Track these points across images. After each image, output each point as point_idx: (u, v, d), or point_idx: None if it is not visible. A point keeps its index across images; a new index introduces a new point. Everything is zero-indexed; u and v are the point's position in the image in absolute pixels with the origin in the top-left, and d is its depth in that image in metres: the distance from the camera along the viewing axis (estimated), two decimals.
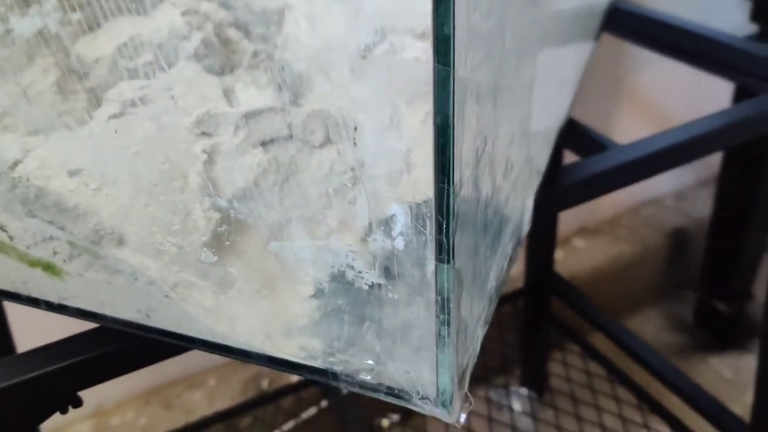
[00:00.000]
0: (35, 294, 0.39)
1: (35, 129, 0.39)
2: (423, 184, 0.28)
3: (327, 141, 0.44)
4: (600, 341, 1.01)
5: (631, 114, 1.23)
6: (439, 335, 0.30)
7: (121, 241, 0.35)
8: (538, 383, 1.08)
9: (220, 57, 0.52)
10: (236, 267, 0.34)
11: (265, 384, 1.03)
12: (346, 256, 0.31)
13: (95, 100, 0.46)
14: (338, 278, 0.31)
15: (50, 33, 0.51)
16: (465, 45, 0.27)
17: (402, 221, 0.29)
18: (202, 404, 1.00)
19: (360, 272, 0.30)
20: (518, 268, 1.12)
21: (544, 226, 1.00)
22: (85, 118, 0.41)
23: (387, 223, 0.30)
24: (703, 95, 1.19)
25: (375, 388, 0.32)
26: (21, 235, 0.37)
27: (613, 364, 1.00)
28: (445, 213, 0.27)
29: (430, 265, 0.28)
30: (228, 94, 0.46)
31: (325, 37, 0.50)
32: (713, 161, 1.22)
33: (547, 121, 0.49)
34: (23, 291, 0.39)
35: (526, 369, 1.09)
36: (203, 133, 0.42)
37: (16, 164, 0.36)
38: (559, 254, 1.26)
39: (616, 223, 1.32)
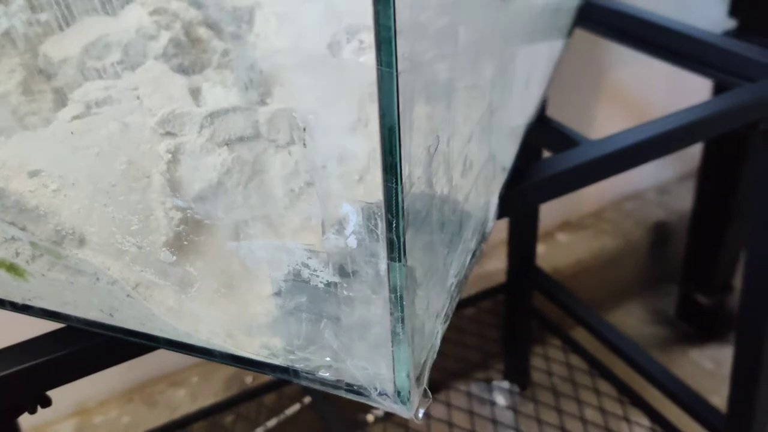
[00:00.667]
0: (0, 295, 0.39)
1: None
2: (373, 184, 0.28)
3: (292, 141, 0.44)
4: (581, 335, 1.02)
5: (610, 109, 1.24)
6: (394, 332, 0.30)
7: (82, 242, 0.35)
8: (520, 377, 1.09)
9: (190, 56, 0.52)
10: (195, 266, 0.34)
11: (248, 380, 1.03)
12: (302, 255, 0.31)
13: (61, 100, 0.46)
14: (295, 277, 0.32)
15: (17, 33, 0.51)
16: (411, 45, 0.27)
17: (354, 220, 0.29)
18: (185, 402, 1.00)
19: (315, 271, 0.31)
20: (500, 263, 1.13)
21: (524, 220, 1.01)
22: (50, 119, 0.42)
23: (340, 223, 0.30)
24: (683, 89, 1.20)
25: (335, 385, 0.33)
26: None
27: (594, 358, 1.00)
28: (394, 212, 0.27)
29: (383, 263, 0.29)
30: (194, 94, 0.46)
31: (294, 36, 0.51)
32: (694, 155, 1.23)
33: (512, 118, 0.50)
34: None
35: (508, 363, 1.10)
36: (168, 133, 0.42)
37: None
38: (541, 248, 1.26)
39: (599, 216, 1.33)
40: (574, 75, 1.12)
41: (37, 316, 0.38)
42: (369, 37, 0.52)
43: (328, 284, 0.31)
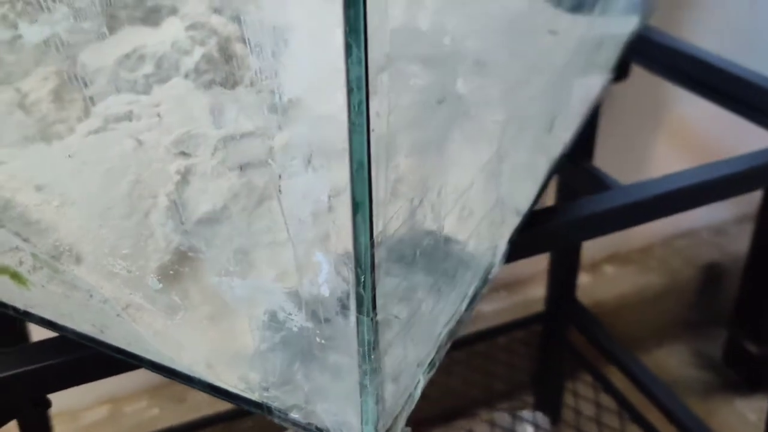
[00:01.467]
0: (4, 299, 0.40)
1: (13, 141, 0.40)
2: (344, 234, 0.28)
3: (305, 170, 0.44)
4: (614, 374, 0.99)
5: (669, 147, 1.20)
6: (362, 385, 0.29)
7: (78, 259, 0.36)
8: (551, 411, 1.07)
9: (222, 73, 0.52)
10: (180, 295, 0.35)
11: None
12: (280, 296, 0.31)
13: (89, 110, 0.47)
14: (271, 317, 0.31)
15: (59, 40, 0.52)
16: (386, 99, 0.27)
17: (326, 269, 0.29)
18: (207, 403, 1.01)
19: (290, 314, 0.31)
20: (538, 291, 1.11)
21: (565, 253, 0.98)
22: (67, 132, 0.43)
23: (314, 269, 0.30)
24: (753, 128, 1.15)
25: (305, 427, 0.33)
26: None
27: (626, 399, 0.97)
28: (363, 267, 0.27)
29: (353, 315, 0.28)
30: (216, 114, 0.46)
31: (323, 60, 0.51)
32: (755, 197, 1.18)
33: (531, 160, 0.49)
34: None
35: (538, 396, 1.08)
36: (182, 153, 0.43)
37: None
38: (586, 279, 1.24)
39: (648, 252, 1.29)
40: (631, 110, 1.09)
41: (36, 324, 0.39)
42: (405, 67, 0.52)
43: (301, 328, 0.30)
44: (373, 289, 0.27)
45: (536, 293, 1.14)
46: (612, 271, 1.28)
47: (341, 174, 0.37)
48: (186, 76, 0.51)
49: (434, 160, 0.34)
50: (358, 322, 0.28)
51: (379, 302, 0.29)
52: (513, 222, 0.46)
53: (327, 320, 0.30)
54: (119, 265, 0.34)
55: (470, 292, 0.40)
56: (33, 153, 0.39)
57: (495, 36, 0.67)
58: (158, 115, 0.45)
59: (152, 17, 0.58)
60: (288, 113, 0.50)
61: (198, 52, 0.51)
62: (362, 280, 0.27)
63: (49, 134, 0.44)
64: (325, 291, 0.29)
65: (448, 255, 0.37)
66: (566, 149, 0.54)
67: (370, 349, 0.28)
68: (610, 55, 0.64)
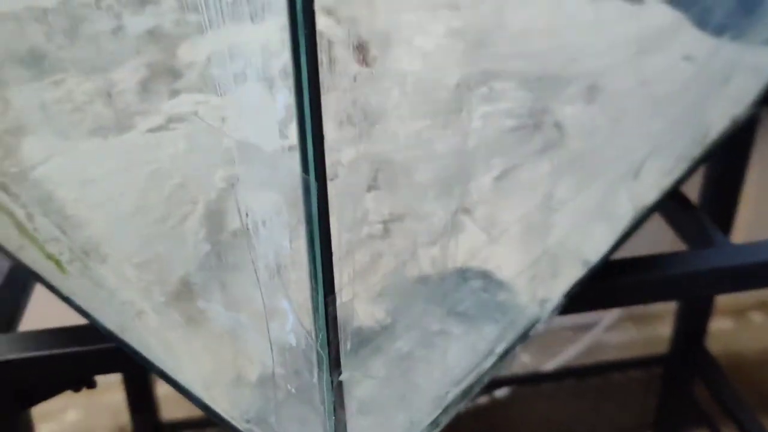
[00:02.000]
0: (53, 282, 0.42)
1: (78, 133, 0.42)
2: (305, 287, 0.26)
3: (370, 189, 0.42)
4: None
5: None
6: None
7: (104, 259, 0.37)
8: None
9: None
10: (195, 309, 0.34)
11: None
12: (254, 336, 0.30)
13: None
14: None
15: (162, 32, 0.53)
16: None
17: (292, 319, 0.27)
18: None
19: (261, 355, 0.29)
20: (665, 329, 1.02)
21: (696, 301, 0.89)
22: (128, 127, 0.43)
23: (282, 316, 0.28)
24: None
25: None
26: (40, 230, 0.40)
27: None
28: (320, 325, 0.25)
29: (315, 370, 0.26)
30: (283, 122, 0.45)
31: (421, 72, 0.48)
32: None
33: (614, 204, 0.44)
34: (46, 277, 0.42)
35: None
36: (233, 161, 0.42)
37: (35, 166, 0.38)
38: (727, 324, 1.12)
39: None
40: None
41: (75, 310, 0.41)
42: (502, 87, 0.49)
43: (273, 372, 0.29)
44: (335, 349, 0.25)
45: (665, 331, 1.05)
46: (761, 319, 1.15)
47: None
48: (272, 78, 0.51)
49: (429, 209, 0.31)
50: (318, 380, 0.26)
51: (350, 359, 0.26)
52: (572, 273, 0.42)
53: (294, 370, 0.28)
54: (140, 269, 0.35)
55: (499, 349, 0.36)
56: (89, 146, 0.40)
57: (619, 58, 0.61)
58: (223, 118, 0.45)
59: (262, 14, 0.58)
60: (367, 128, 0.48)
61: (286, 55, 0.51)
62: (320, 337, 0.25)
63: (122, 126, 0.45)
64: (292, 340, 0.27)
65: (465, 306, 0.34)
66: (665, 196, 0.48)
67: (331, 409, 0.26)
68: (750, 87, 0.56)
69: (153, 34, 0.54)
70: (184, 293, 0.34)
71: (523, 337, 0.37)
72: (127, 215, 0.36)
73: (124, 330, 0.37)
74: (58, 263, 0.39)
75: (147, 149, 0.40)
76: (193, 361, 0.34)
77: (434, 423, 0.33)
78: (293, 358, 0.28)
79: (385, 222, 0.42)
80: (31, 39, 0.45)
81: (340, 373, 0.25)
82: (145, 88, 0.48)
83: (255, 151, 0.42)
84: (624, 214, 0.45)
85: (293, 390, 0.28)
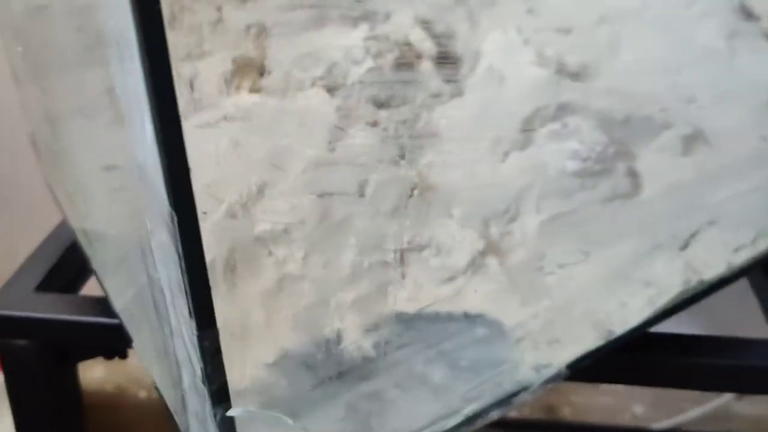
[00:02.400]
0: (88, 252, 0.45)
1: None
2: None
3: (395, 212, 0.42)
4: None
5: None
6: None
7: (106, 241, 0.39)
8: None
9: (390, 90, 0.52)
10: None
11: None
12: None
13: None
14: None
15: (260, 28, 0.56)
16: None
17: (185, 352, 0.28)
18: None
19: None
20: None
21: None
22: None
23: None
24: None
25: None
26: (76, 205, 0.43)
27: None
28: (199, 359, 0.25)
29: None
30: (334, 133, 0.46)
31: (496, 97, 0.47)
32: None
33: (653, 275, 0.40)
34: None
35: None
36: (273, 165, 0.44)
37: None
38: None
39: None
40: None
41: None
42: (577, 124, 0.46)
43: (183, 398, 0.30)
44: (219, 383, 0.26)
45: None
46: None
47: None
48: (351, 86, 0.51)
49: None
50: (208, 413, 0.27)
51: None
52: (587, 341, 0.39)
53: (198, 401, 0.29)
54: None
55: (469, 409, 0.35)
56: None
57: (741, 106, 0.56)
58: (276, 122, 0.46)
59: (365, 18, 0.59)
60: (423, 147, 0.48)
61: (366, 64, 0.51)
62: (200, 372, 0.25)
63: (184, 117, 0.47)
64: (188, 373, 0.28)
65: (453, 350, 0.33)
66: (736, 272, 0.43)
67: None
68: None
69: (250, 30, 0.57)
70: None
71: (503, 403, 0.36)
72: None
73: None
74: (85, 234, 0.43)
75: (192, 143, 0.42)
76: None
77: None
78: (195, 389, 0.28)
79: (402, 250, 0.42)
80: None
81: (226, 408, 0.26)
82: (226, 81, 0.51)
83: (296, 158, 0.43)
84: (670, 286, 0.41)
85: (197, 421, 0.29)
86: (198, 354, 0.25)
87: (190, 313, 0.24)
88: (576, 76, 0.57)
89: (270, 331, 0.39)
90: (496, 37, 0.53)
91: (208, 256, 0.38)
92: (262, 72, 0.53)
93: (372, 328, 0.39)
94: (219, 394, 0.26)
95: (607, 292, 0.40)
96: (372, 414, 0.34)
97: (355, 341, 0.39)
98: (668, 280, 0.41)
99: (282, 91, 0.51)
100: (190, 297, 0.24)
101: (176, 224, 0.22)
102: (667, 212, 0.45)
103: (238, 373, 0.37)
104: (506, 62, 0.51)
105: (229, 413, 0.26)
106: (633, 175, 0.47)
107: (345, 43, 0.52)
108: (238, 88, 0.51)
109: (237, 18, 0.56)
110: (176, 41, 0.52)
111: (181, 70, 0.50)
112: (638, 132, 0.50)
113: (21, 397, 0.53)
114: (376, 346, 0.38)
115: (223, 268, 0.39)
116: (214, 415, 0.26)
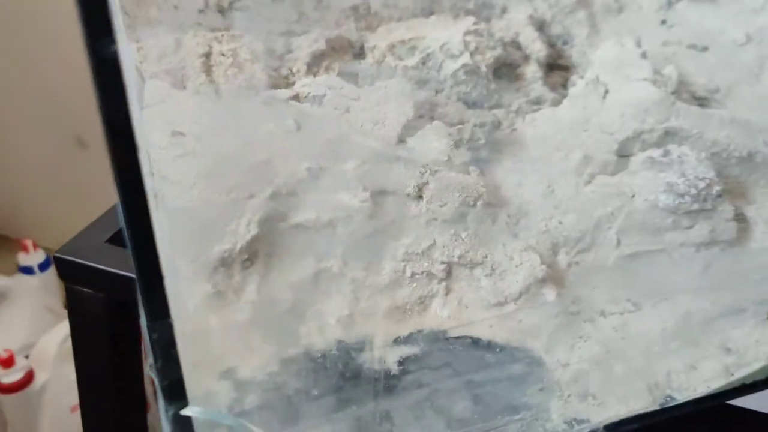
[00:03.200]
0: None
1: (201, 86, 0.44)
2: None
3: (455, 220, 0.39)
4: None
5: None
6: None
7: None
8: None
9: (483, 89, 0.48)
10: (228, 287, 0.35)
11: None
12: None
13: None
14: None
15: (367, 9, 0.54)
16: None
17: None
18: None
19: None
20: None
21: None
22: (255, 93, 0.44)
23: None
24: None
25: None
26: None
27: None
28: (149, 351, 0.23)
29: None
30: (404, 128, 0.43)
31: (590, 113, 0.43)
32: None
33: (735, 343, 0.34)
34: None
35: None
36: (332, 152, 0.42)
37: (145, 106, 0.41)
38: None
39: None
40: None
41: None
42: (680, 152, 0.41)
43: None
44: (171, 378, 0.24)
45: None
46: None
47: None
48: (443, 80, 0.48)
49: None
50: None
51: None
52: (637, 403, 0.34)
53: None
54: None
55: None
56: (194, 99, 0.41)
57: None
58: (347, 109, 0.43)
59: (479, 11, 0.55)
60: (501, 156, 0.44)
61: (462, 59, 0.48)
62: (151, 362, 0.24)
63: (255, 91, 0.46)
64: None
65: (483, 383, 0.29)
66: None
67: None
68: None
69: (357, 10, 0.55)
70: (243, 266, 0.35)
71: None
72: (205, 175, 0.37)
73: None
74: None
75: (256, 119, 0.41)
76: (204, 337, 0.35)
77: None
78: None
79: (451, 263, 0.38)
80: None
81: (180, 406, 0.24)
82: (314, 60, 0.49)
83: (357, 148, 0.41)
84: (755, 358, 0.35)
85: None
86: (150, 346, 0.23)
87: (141, 306, 0.23)
88: (702, 100, 0.50)
89: (293, 325, 0.37)
90: (611, 46, 0.48)
91: (239, 240, 0.37)
92: (359, 55, 0.51)
93: (401, 341, 0.36)
94: (171, 390, 0.24)
95: (673, 351, 0.35)
96: None
97: (380, 353, 0.36)
98: (754, 350, 0.34)
99: (372, 77, 0.48)
100: (140, 286, 0.22)
101: (123, 208, 0.21)
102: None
103: (253, 362, 0.35)
104: (616, 75, 0.46)
105: (183, 412, 0.24)
106: (742, 220, 0.41)
107: (444, 35, 0.49)
108: (327, 68, 0.49)
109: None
110: (276, 15, 0.52)
111: (274, 44, 0.49)
112: (759, 173, 0.43)
113: (83, 343, 0.55)
114: (400, 362, 0.35)
115: (258, 252, 0.38)
116: (166, 412, 0.24)
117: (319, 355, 0.35)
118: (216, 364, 0.35)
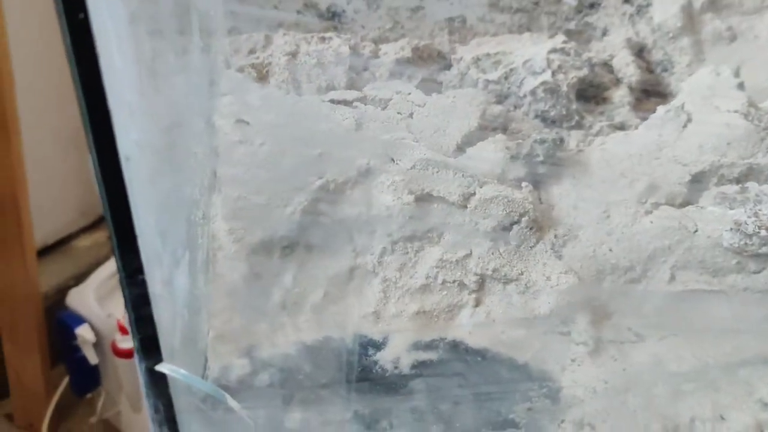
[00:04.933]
0: None
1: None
2: None
3: (495, 231, 0.39)
4: None
5: None
6: None
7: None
8: None
9: (562, 109, 0.48)
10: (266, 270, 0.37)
11: None
12: None
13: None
14: None
15: (460, 21, 0.55)
16: None
17: None
18: None
19: None
20: None
21: None
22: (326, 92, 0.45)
23: None
24: None
25: None
26: None
27: None
28: (126, 304, 0.25)
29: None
30: (463, 138, 0.43)
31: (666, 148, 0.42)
32: None
33: None
34: None
35: None
36: (386, 155, 0.42)
37: None
38: None
39: None
40: None
41: None
42: (758, 191, 0.39)
43: None
44: (145, 333, 0.25)
45: None
46: None
47: None
48: (522, 96, 0.48)
49: None
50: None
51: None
52: None
53: None
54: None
55: None
56: (268, 93, 0.43)
57: None
58: (411, 114, 0.44)
59: (579, 32, 0.54)
60: (560, 176, 0.43)
61: (543, 77, 0.47)
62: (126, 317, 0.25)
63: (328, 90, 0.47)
64: None
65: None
66: None
67: (148, 394, 0.27)
68: None
69: (452, 22, 0.56)
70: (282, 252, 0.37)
71: None
72: (256, 161, 0.39)
73: None
74: None
75: (318, 116, 0.42)
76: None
77: None
78: None
79: (485, 276, 0.37)
80: None
81: (153, 362, 0.25)
82: (398, 68, 0.50)
83: (412, 153, 0.41)
84: None
85: None
86: (126, 300, 0.25)
87: (117, 257, 0.24)
88: None
89: (320, 315, 0.38)
90: (705, 74, 0.45)
91: (281, 228, 0.39)
92: (447, 67, 0.52)
93: (421, 347, 0.36)
94: (145, 344, 0.25)
95: (702, 397, 0.32)
96: (372, 429, 0.32)
97: (397, 354, 0.36)
98: None
99: (454, 89, 0.48)
100: (115, 243, 0.24)
101: (97, 168, 0.22)
102: None
103: (274, 344, 0.37)
104: (704, 105, 0.43)
105: (158, 368, 0.26)
106: None
107: (530, 51, 0.48)
108: (410, 77, 0.50)
109: (439, 8, 0.55)
110: (370, 22, 0.53)
111: (362, 50, 0.51)
112: None
113: None
114: (414, 365, 0.35)
115: (299, 242, 0.39)
116: (140, 365, 0.26)
117: (337, 347, 0.36)
118: (239, 340, 0.36)
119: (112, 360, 1.03)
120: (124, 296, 0.25)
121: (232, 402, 0.27)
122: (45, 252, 1.34)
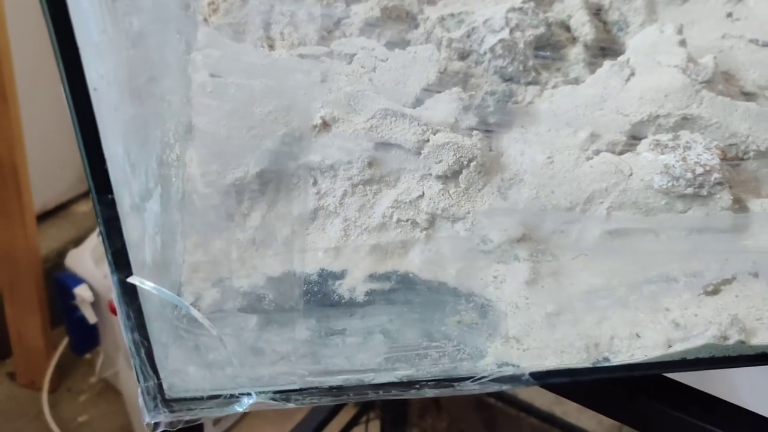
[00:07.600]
0: None
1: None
2: None
3: (445, 176, 0.42)
4: None
5: None
6: None
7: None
8: None
9: (518, 65, 0.51)
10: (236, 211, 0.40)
11: None
12: None
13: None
14: None
15: None
16: None
17: None
18: None
19: None
20: None
21: None
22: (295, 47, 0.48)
23: None
24: None
25: None
26: None
27: None
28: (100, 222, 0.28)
29: None
30: (424, 93, 0.46)
31: (610, 91, 0.45)
32: None
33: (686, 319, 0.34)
34: None
35: None
36: (349, 105, 0.45)
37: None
38: None
39: None
40: None
41: None
42: (689, 138, 0.42)
43: None
44: (116, 245, 0.29)
45: None
46: None
47: None
48: (483, 54, 0.51)
49: None
50: None
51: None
52: (568, 357, 0.35)
53: None
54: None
55: (404, 373, 0.34)
56: (241, 49, 0.46)
57: None
58: (374, 68, 0.47)
59: None
60: (511, 125, 0.46)
61: (501, 35, 0.50)
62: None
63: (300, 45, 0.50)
64: None
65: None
66: None
67: (120, 302, 0.30)
68: None
69: None
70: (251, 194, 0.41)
71: (444, 384, 0.34)
72: (227, 111, 0.42)
73: None
74: None
75: (285, 69, 0.45)
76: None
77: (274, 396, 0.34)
78: None
79: (435, 215, 0.41)
80: None
81: (125, 275, 0.29)
82: (367, 27, 0.53)
83: (372, 104, 0.44)
84: (702, 335, 0.35)
85: None
86: (99, 217, 0.28)
87: (88, 175, 0.27)
88: (750, 95, 0.49)
89: (286, 250, 0.41)
90: (650, 32, 0.48)
91: (250, 171, 0.42)
92: (408, 24, 0.55)
93: (376, 278, 0.40)
94: (116, 257, 0.29)
95: (620, 318, 0.35)
96: (325, 345, 0.35)
97: (353, 284, 0.39)
98: (702, 328, 0.35)
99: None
100: (87, 165, 0.27)
101: (68, 97, 0.25)
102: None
103: (246, 275, 0.40)
104: (646, 60, 0.46)
105: (129, 280, 0.29)
106: (742, 212, 0.40)
107: (491, 11, 0.51)
108: (379, 36, 0.53)
109: None
110: None
111: (334, 9, 0.54)
112: None
113: None
114: (368, 293, 0.39)
115: (268, 185, 0.43)
116: (112, 276, 0.29)
117: (300, 278, 0.39)
118: (211, 272, 0.40)
119: (110, 319, 1.07)
120: (96, 213, 0.29)
121: (194, 312, 0.31)
122: (45, 217, 1.38)
